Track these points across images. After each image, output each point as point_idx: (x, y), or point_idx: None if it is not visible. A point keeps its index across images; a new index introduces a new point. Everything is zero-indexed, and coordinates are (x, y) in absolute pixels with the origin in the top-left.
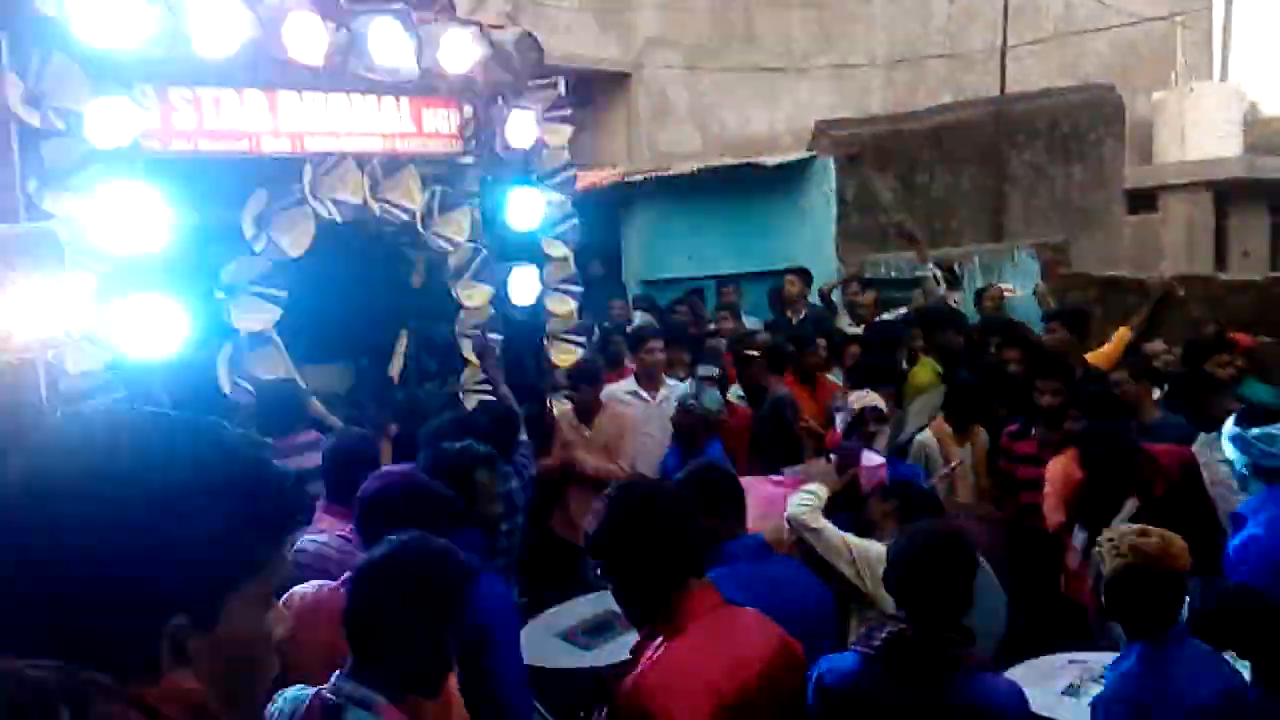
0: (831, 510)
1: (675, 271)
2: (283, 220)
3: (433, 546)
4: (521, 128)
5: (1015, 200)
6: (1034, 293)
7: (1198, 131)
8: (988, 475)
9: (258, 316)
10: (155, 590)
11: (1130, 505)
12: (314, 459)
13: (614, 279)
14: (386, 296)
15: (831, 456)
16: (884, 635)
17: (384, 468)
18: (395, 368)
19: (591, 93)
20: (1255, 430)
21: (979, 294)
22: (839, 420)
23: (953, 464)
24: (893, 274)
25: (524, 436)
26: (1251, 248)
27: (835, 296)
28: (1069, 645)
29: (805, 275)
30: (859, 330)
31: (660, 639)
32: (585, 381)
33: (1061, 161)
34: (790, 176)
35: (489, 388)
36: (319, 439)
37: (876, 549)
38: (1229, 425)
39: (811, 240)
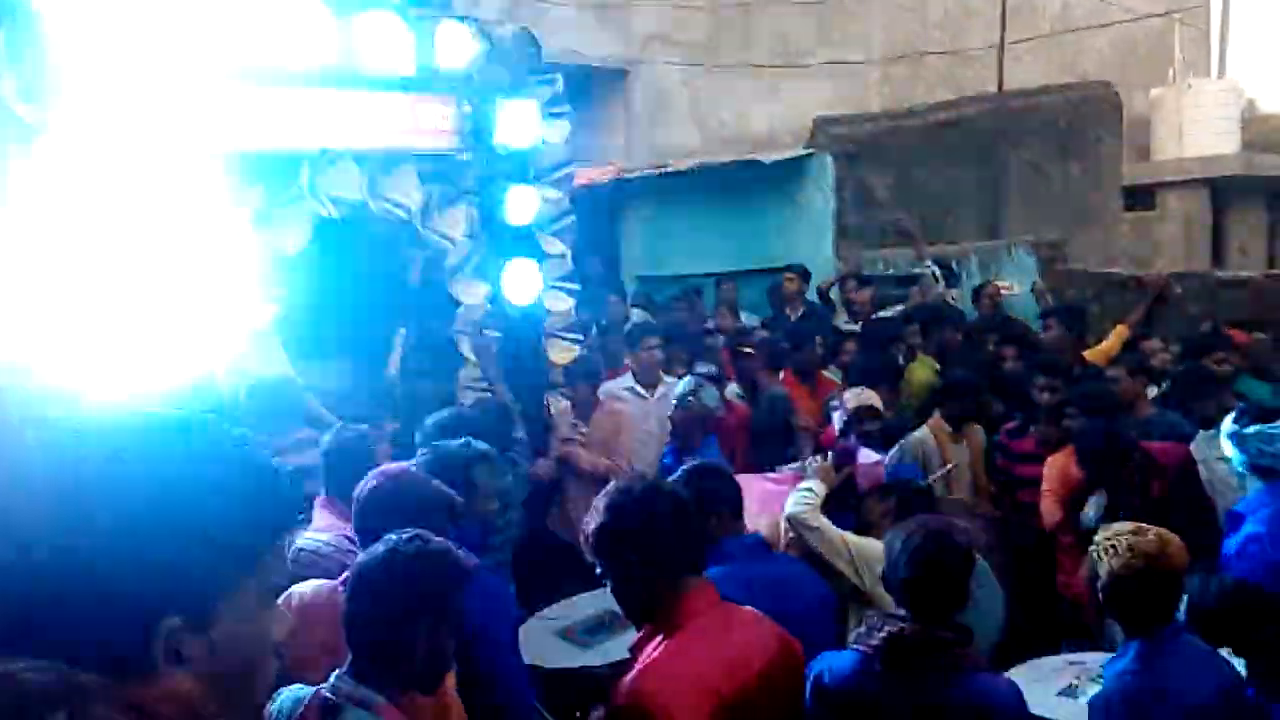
0: (830, 509)
1: (673, 269)
2: (280, 217)
3: (431, 546)
4: (519, 124)
5: (1013, 197)
6: (1031, 290)
7: (1195, 129)
8: (985, 473)
9: (255, 314)
10: (150, 591)
11: (1098, 499)
12: (310, 457)
13: (612, 276)
14: (384, 294)
15: (828, 454)
16: (882, 634)
17: (381, 465)
18: (393, 365)
19: (589, 89)
20: (1252, 428)
21: (976, 291)
22: (836, 418)
23: (947, 466)
24: (891, 271)
25: (520, 434)
26: (1248, 245)
27: (833, 294)
28: (1067, 644)
29: (803, 273)
30: (856, 328)
31: (659, 638)
32: (583, 379)
33: (1059, 159)
34: (788, 174)
35: (486, 385)
36: (315, 437)
37: (875, 547)
38: (1227, 423)
39: (809, 237)
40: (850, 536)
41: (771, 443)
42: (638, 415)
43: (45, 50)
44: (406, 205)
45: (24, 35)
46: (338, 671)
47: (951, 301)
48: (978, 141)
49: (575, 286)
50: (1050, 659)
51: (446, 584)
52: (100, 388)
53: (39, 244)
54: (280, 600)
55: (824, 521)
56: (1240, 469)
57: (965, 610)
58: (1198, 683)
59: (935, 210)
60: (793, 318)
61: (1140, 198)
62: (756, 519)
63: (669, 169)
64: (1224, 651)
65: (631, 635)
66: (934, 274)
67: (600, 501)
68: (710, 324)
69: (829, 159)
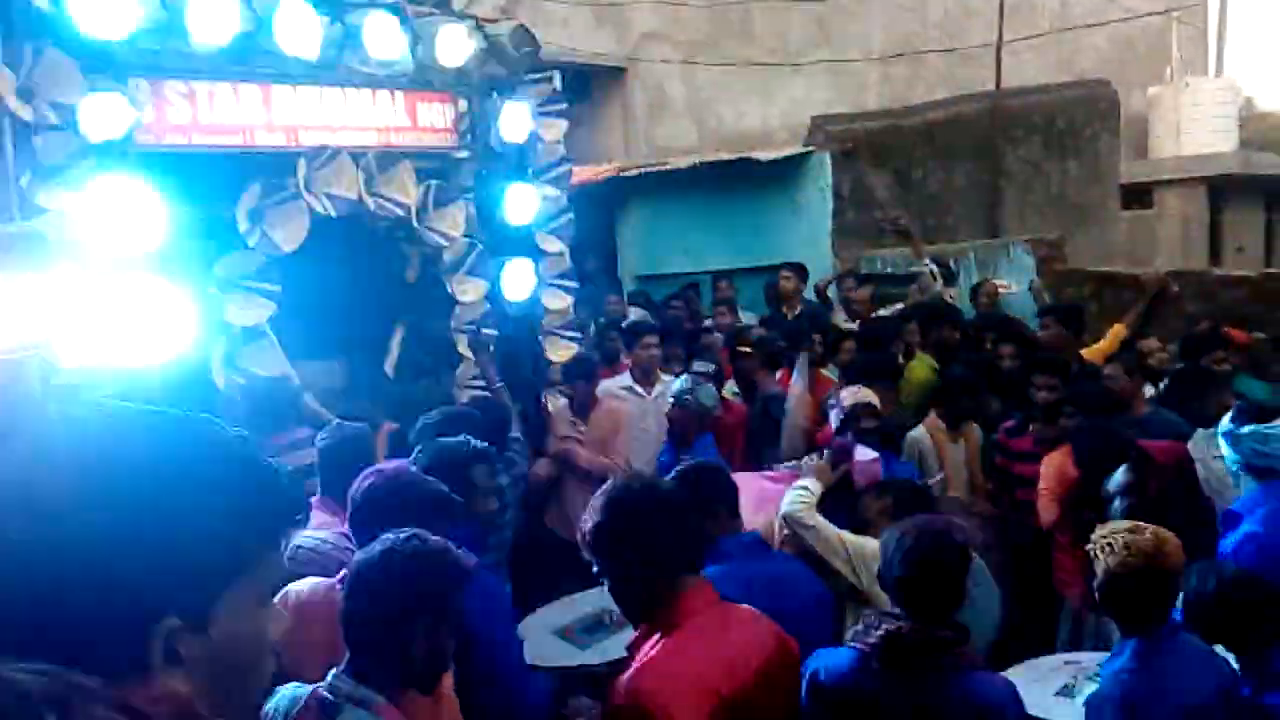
0: (826, 507)
1: (671, 267)
2: (277, 215)
3: (430, 545)
4: (517, 122)
5: (1011, 196)
6: (1029, 288)
7: (1193, 127)
8: (982, 472)
9: (252, 312)
10: (145, 591)
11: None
12: (307, 456)
13: (609, 274)
14: (381, 291)
15: (825, 452)
16: (879, 632)
17: (378, 464)
18: (390, 363)
19: (587, 87)
20: (1247, 428)
21: (974, 290)
22: (833, 416)
23: (938, 477)
24: (889, 270)
25: (517, 433)
26: (1246, 243)
27: (831, 292)
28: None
29: (801, 271)
30: (854, 326)
31: (657, 636)
32: (580, 377)
33: (1057, 157)
34: (786, 172)
35: (484, 383)
36: (312, 436)
37: (871, 546)
38: (1224, 422)
39: (807, 236)
40: (847, 535)
41: (764, 443)
42: (635, 413)
43: (43, 47)
44: (404, 203)
45: (21, 33)
46: (335, 670)
47: (950, 300)
48: (976, 140)
49: (573, 284)
50: (1047, 658)
51: (445, 583)
52: (98, 386)
53: (37, 243)
54: (277, 598)
55: (820, 520)
56: (1235, 468)
57: (962, 609)
58: (1195, 682)
59: (933, 209)
60: (790, 316)
61: (1138, 196)
62: (753, 517)
63: (667, 167)
64: (1219, 648)
65: (629, 634)
66: (932, 272)
67: (598, 500)
68: (708, 322)
69: (827, 157)
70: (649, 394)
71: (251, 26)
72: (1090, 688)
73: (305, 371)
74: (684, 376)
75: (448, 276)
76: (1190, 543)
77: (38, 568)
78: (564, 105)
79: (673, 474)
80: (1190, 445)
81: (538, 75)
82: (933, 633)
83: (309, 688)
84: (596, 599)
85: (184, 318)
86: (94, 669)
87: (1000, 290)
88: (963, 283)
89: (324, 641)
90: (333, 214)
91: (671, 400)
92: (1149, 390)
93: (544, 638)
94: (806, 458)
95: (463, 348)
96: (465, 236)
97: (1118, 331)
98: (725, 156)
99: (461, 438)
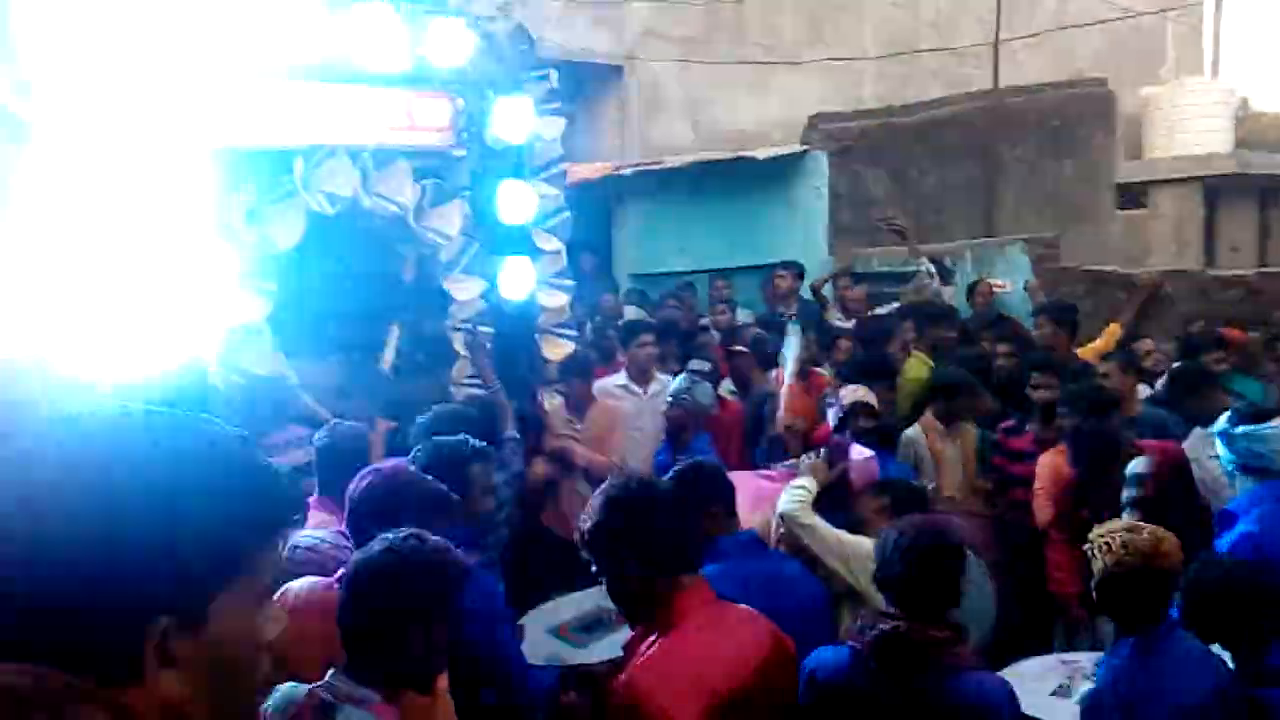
0: (823, 507)
1: (667, 265)
2: (273, 213)
3: (428, 545)
4: (513, 120)
5: (1006, 195)
6: (1024, 288)
7: (1188, 127)
8: (980, 471)
9: (248, 310)
10: (139, 591)
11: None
12: (304, 455)
13: (605, 273)
14: (377, 290)
15: (821, 451)
16: (876, 631)
17: (375, 463)
18: (386, 361)
19: (584, 86)
20: (1241, 428)
21: (970, 289)
22: (831, 414)
23: (929, 486)
24: (884, 268)
25: (513, 432)
26: (1240, 243)
27: (826, 291)
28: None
29: (797, 269)
30: (849, 325)
31: (654, 635)
32: (576, 375)
33: (1053, 156)
34: (782, 170)
35: (480, 382)
36: (308, 435)
37: (867, 545)
38: (1220, 422)
39: (803, 234)
40: (843, 534)
41: (756, 442)
42: (631, 412)
43: (39, 45)
44: (400, 201)
45: (17, 30)
46: (333, 670)
47: (946, 299)
48: (971, 139)
49: (569, 283)
50: (1043, 658)
51: (444, 583)
52: (93, 385)
53: (34, 238)
54: (275, 597)
55: (817, 519)
56: (1230, 468)
57: (957, 608)
58: (1191, 681)
59: (929, 207)
60: (785, 315)
61: (1133, 196)
62: (749, 516)
63: (663, 165)
64: (1215, 647)
65: (626, 633)
66: (928, 271)
67: (596, 499)
68: (704, 321)
69: (823, 156)
70: (645, 393)
71: (249, 25)
72: (1087, 687)
73: (302, 370)
74: (681, 375)
75: (444, 275)
76: (1187, 542)
77: (31, 567)
78: (560, 103)
79: (670, 473)
80: (1187, 445)
81: (534, 73)
82: (929, 632)
83: (306, 687)
84: (593, 597)
85: (181, 316)
86: (87, 669)
87: (996, 289)
88: (958, 282)
89: (321, 640)
90: (330, 212)
91: (668, 399)
92: (1144, 390)
93: (540, 636)
94: (804, 457)
95: (459, 346)
96: (462, 235)
97: (1113, 331)
98: (721, 155)
99: (460, 437)
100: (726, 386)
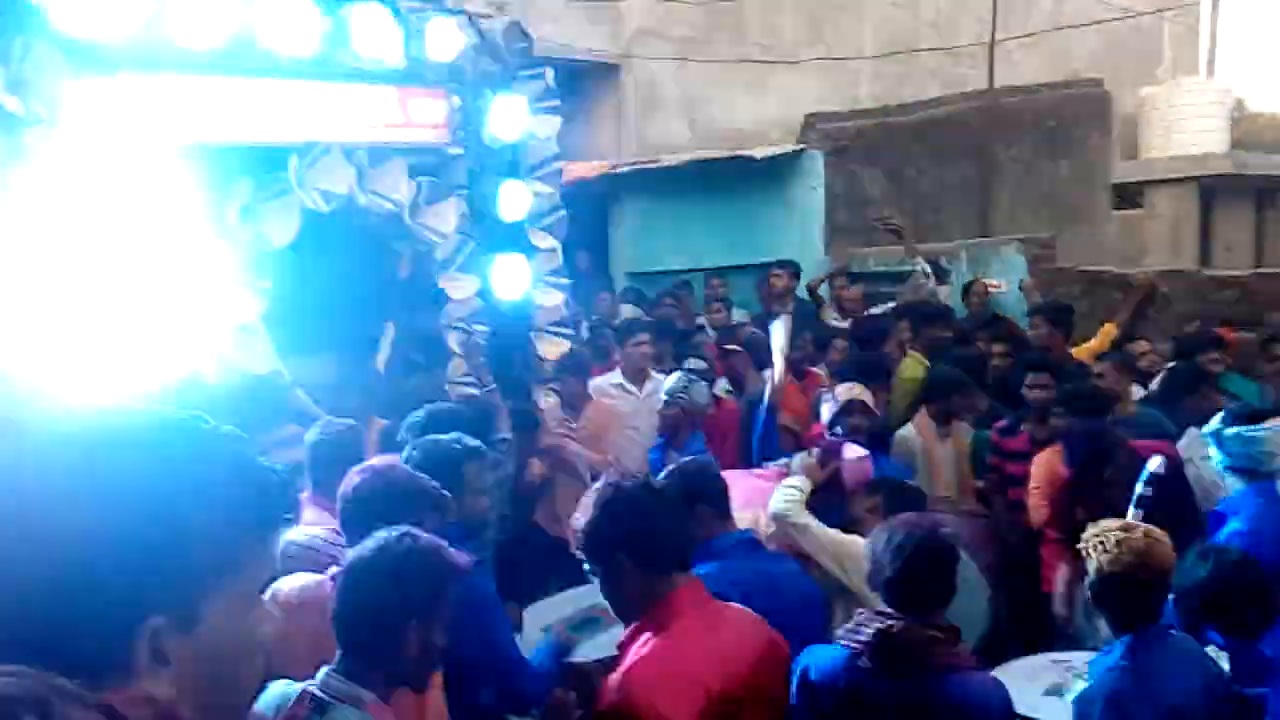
0: (817, 506)
1: (663, 264)
2: (268, 211)
3: (423, 543)
4: (509, 118)
5: (1002, 195)
6: (1020, 288)
7: (1184, 127)
8: (972, 471)
9: (243, 307)
10: (131, 591)
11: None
12: (294, 454)
13: (601, 271)
14: (372, 288)
15: (814, 450)
16: (870, 630)
17: (368, 461)
18: (381, 359)
19: (580, 84)
20: (1231, 430)
21: (965, 289)
22: (825, 410)
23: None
24: (880, 268)
25: (506, 434)
26: (1235, 243)
27: (822, 290)
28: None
29: (793, 269)
30: (845, 325)
31: (647, 635)
32: (571, 373)
33: (1049, 156)
34: (779, 170)
35: (475, 381)
36: (301, 433)
37: (860, 545)
38: (1213, 422)
39: (799, 233)
40: (835, 533)
41: (748, 443)
42: (627, 411)
43: (33, 40)
44: (395, 199)
45: (11, 26)
46: (326, 668)
47: (941, 299)
48: (968, 139)
49: (565, 281)
50: (1036, 657)
51: (438, 582)
52: (87, 384)
53: (25, 239)
54: (267, 594)
55: (810, 519)
56: (1222, 468)
57: (949, 607)
58: (1183, 682)
59: (925, 207)
60: (780, 314)
61: (1129, 196)
62: (739, 515)
63: (659, 164)
64: (1210, 650)
65: (619, 632)
66: (924, 271)
67: (590, 498)
68: (700, 320)
69: (819, 155)
70: (640, 392)
71: (243, 21)
72: (1080, 686)
73: (296, 368)
74: (677, 374)
75: (439, 273)
76: (1179, 543)
77: (20, 567)
78: (557, 101)
79: (665, 473)
80: (1181, 445)
81: (530, 71)
82: (922, 632)
83: (299, 685)
84: (587, 596)
85: (174, 314)
86: (78, 669)
87: (991, 289)
88: (954, 282)
89: (314, 637)
90: (324, 210)
91: (664, 398)
92: (1139, 391)
93: (533, 634)
94: (796, 455)
95: (454, 344)
96: (457, 233)
97: (1108, 331)
98: (718, 154)
99: (454, 435)
100: (722, 386)
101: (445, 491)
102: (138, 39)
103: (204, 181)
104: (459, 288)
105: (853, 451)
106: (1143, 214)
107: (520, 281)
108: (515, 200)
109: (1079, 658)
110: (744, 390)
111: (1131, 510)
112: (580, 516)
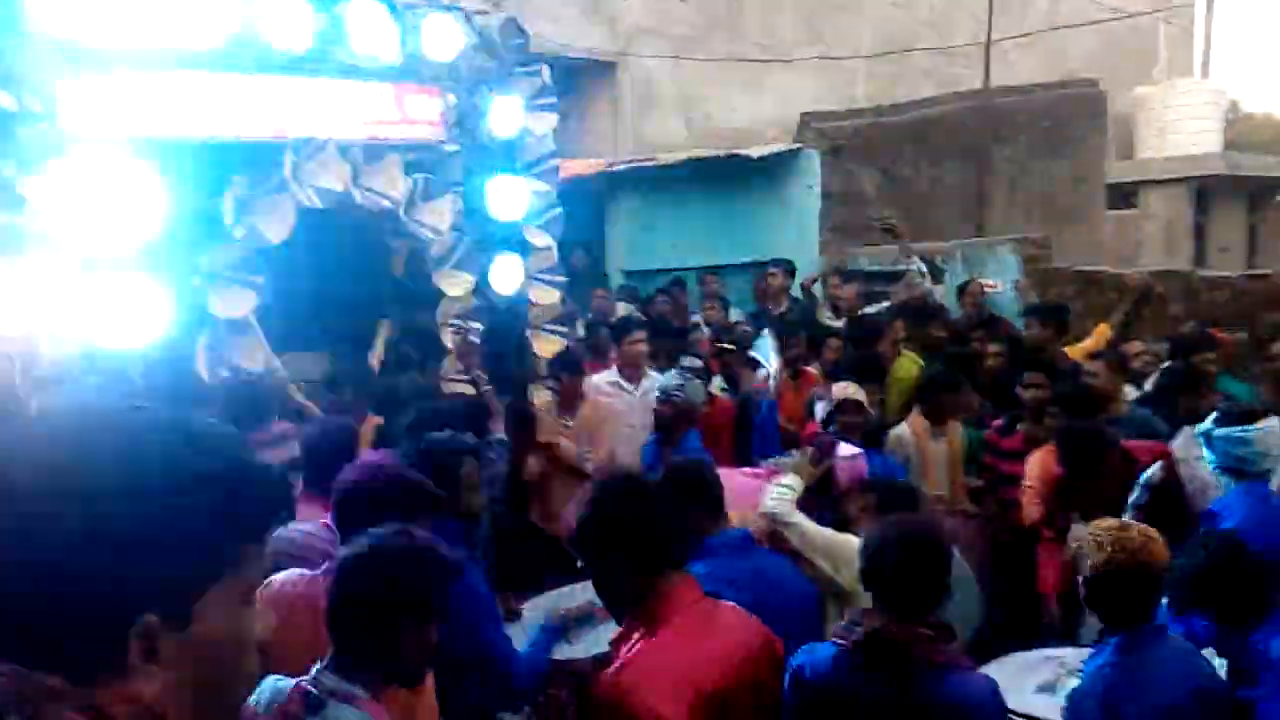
0: (812, 507)
1: (658, 262)
2: (263, 206)
3: (417, 541)
4: (505, 116)
5: (998, 195)
6: (1014, 287)
7: (1179, 128)
8: (966, 470)
9: (237, 303)
10: (122, 589)
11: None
12: (288, 451)
13: (597, 269)
14: (367, 284)
15: (807, 449)
16: (862, 629)
17: (361, 457)
18: (376, 356)
19: (576, 81)
20: (1221, 430)
21: (960, 288)
22: (819, 408)
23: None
24: (875, 267)
25: (500, 435)
26: (1229, 244)
27: (817, 289)
28: (1046, 642)
29: (788, 267)
30: (839, 324)
31: (640, 632)
32: (566, 371)
33: (1044, 156)
34: (775, 168)
35: (469, 378)
36: (294, 430)
37: (854, 543)
38: (1205, 422)
39: (795, 232)
40: (828, 532)
41: (741, 442)
42: (622, 409)
43: (27, 37)
44: (391, 196)
45: (5, 22)
46: (319, 664)
47: (936, 298)
48: (964, 138)
49: (561, 279)
50: (1029, 653)
51: (433, 579)
52: (79, 379)
53: (21, 229)
54: (259, 589)
55: (801, 518)
56: (1214, 467)
57: (942, 606)
58: (1175, 681)
59: (921, 207)
60: (775, 313)
61: (1123, 196)
62: (732, 511)
63: (655, 162)
64: (1207, 652)
65: (612, 629)
66: (919, 270)
67: (585, 495)
68: (695, 318)
69: (816, 154)
70: (636, 389)
71: (241, 18)
72: (1073, 684)
73: (290, 363)
74: (672, 372)
75: (435, 270)
76: (1174, 541)
77: (12, 567)
78: (553, 99)
79: (660, 470)
80: (1174, 445)
81: (527, 69)
82: (915, 631)
83: (292, 681)
84: (581, 593)
85: (167, 310)
86: (70, 667)
87: (986, 289)
88: (949, 281)
89: (306, 634)
90: (320, 206)
91: (660, 395)
92: (1132, 392)
93: (527, 631)
94: (789, 454)
95: (449, 342)
96: (453, 230)
97: (1103, 331)
98: (714, 152)
99: (449, 433)
100: (717, 383)
101: (439, 488)
102: (134, 37)
103: (200, 177)
104: (454, 285)
105: (846, 450)
106: (1137, 214)
107: (516, 279)
108: (511, 198)
109: (1072, 654)
110: (739, 388)
111: (1128, 515)
112: (575, 513)
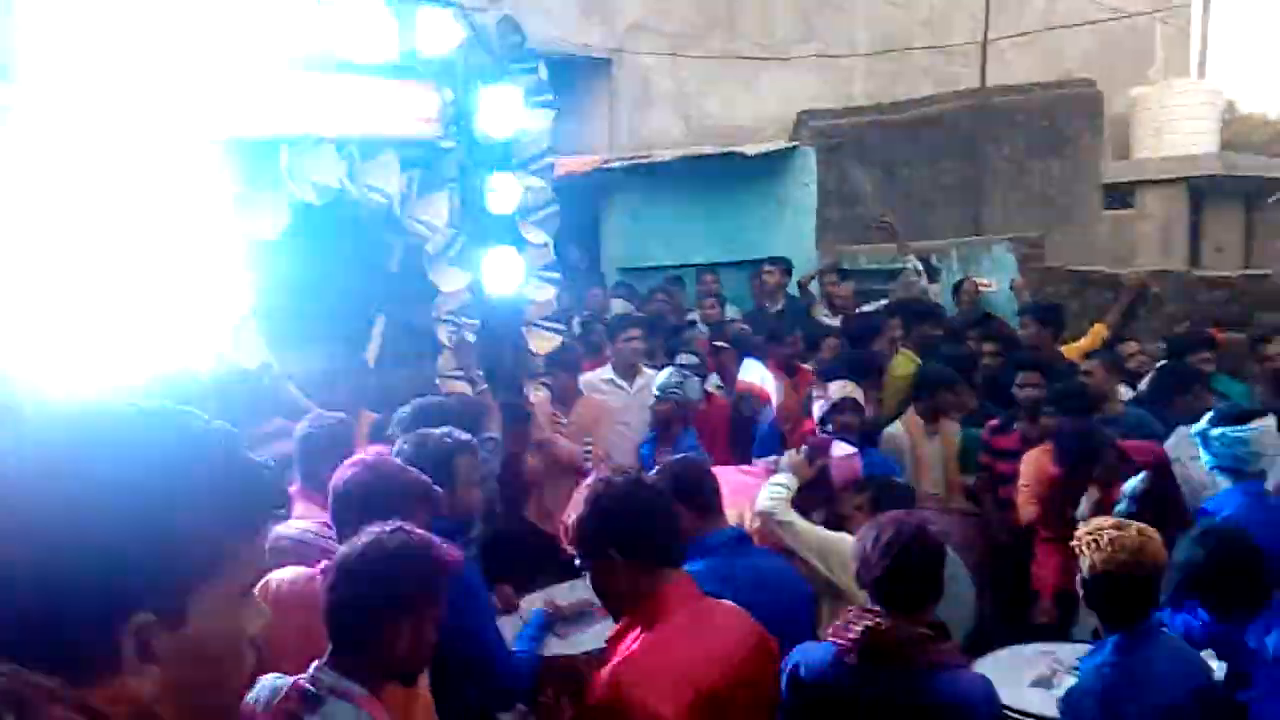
0: (808, 506)
1: (655, 260)
2: (258, 203)
3: (415, 538)
4: (502, 112)
5: (994, 194)
6: (1010, 287)
7: (1175, 128)
8: (959, 468)
9: (232, 300)
10: (117, 586)
11: (1090, 495)
12: (283, 447)
13: (593, 267)
14: (363, 280)
15: (802, 448)
16: (858, 628)
17: (358, 454)
18: (371, 352)
19: (573, 78)
20: (1217, 430)
21: (956, 287)
22: (816, 407)
23: None
24: (872, 266)
25: (494, 433)
26: (1225, 244)
27: (813, 287)
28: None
29: (784, 265)
30: (835, 322)
31: (637, 630)
32: (562, 368)
33: (1040, 156)
34: (771, 166)
35: (464, 376)
36: (289, 427)
37: (848, 542)
38: (1201, 422)
39: (791, 230)
40: (822, 531)
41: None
42: (617, 407)
43: (22, 33)
44: (387, 192)
45: None
46: (317, 662)
47: (932, 297)
48: (960, 137)
49: (556, 276)
50: (1023, 647)
51: (431, 577)
52: (76, 378)
53: (14, 230)
54: (256, 589)
55: (795, 516)
56: (1209, 467)
57: (936, 605)
58: (1172, 681)
59: (917, 205)
60: (772, 310)
61: (1120, 196)
62: (726, 509)
63: (652, 159)
64: (1205, 653)
65: (609, 626)
66: (915, 269)
67: (581, 494)
68: (691, 315)
69: (812, 152)
70: (631, 387)
71: (235, 12)
72: (1069, 681)
73: (286, 360)
74: (669, 369)
75: (430, 266)
76: (1170, 541)
77: (6, 567)
78: (549, 96)
79: (656, 469)
80: (1169, 445)
81: (523, 65)
82: (910, 629)
83: (290, 679)
84: (577, 591)
85: (163, 307)
86: (64, 665)
87: (982, 288)
88: (945, 280)
89: (303, 631)
90: (315, 202)
91: (656, 393)
92: (1127, 392)
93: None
94: (784, 453)
95: (445, 338)
96: (449, 227)
97: (1099, 330)
98: (711, 150)
99: (445, 429)
100: (714, 381)
101: (436, 485)
102: (128, 29)
103: (195, 173)
104: (450, 281)
105: (841, 449)
106: (1133, 214)
107: (511, 276)
108: (507, 194)
109: (1068, 651)
110: (735, 386)
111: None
112: (571, 511)
